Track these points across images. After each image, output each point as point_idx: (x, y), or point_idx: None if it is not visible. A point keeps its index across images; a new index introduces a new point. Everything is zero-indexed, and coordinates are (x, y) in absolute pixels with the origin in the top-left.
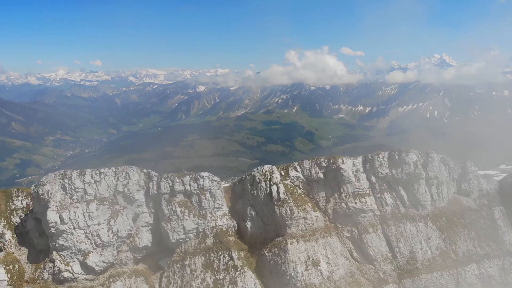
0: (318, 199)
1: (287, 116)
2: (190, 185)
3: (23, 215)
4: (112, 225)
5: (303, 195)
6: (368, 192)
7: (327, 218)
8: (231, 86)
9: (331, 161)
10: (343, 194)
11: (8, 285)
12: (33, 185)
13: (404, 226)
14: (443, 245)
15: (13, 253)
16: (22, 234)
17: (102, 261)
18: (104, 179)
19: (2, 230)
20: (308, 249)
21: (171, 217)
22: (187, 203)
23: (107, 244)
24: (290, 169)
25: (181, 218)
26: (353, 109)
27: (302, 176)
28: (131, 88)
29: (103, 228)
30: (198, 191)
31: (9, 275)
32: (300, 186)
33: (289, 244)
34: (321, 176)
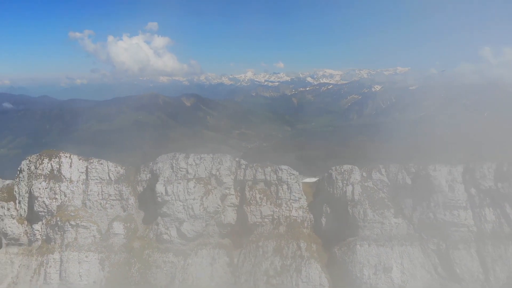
0: (403, 206)
1: (476, 119)
2: (270, 175)
3: (145, 186)
4: (203, 201)
5: (386, 200)
6: (464, 205)
7: (412, 226)
8: (411, 85)
9: (421, 167)
10: (432, 204)
11: (123, 238)
12: (151, 163)
13: (505, 248)
14: None
15: (133, 214)
16: (142, 200)
17: (193, 230)
18: (203, 162)
19: (128, 196)
20: (381, 254)
21: (251, 201)
22: (267, 191)
23: (198, 217)
24: (373, 171)
25: (259, 203)
26: None
27: (387, 180)
28: (308, 88)
29: (196, 203)
30: (276, 181)
31: (125, 231)
32: (384, 190)
33: (358, 245)
34: (409, 182)
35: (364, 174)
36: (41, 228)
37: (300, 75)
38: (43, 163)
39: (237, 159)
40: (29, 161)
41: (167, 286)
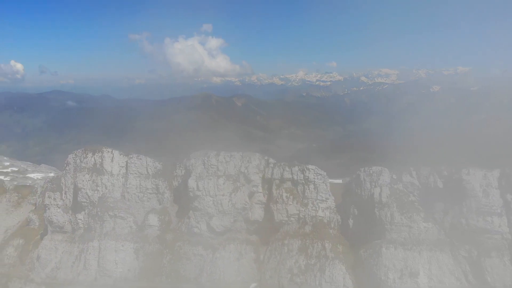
0: (434, 210)
1: None
2: (297, 175)
3: (180, 181)
4: (232, 198)
5: (416, 203)
6: (499, 211)
7: (443, 232)
8: (472, 86)
9: (454, 170)
10: (464, 209)
11: (157, 229)
12: (185, 159)
13: None
14: None
15: (167, 207)
16: (177, 195)
17: (222, 225)
18: (232, 160)
19: (164, 190)
20: (408, 258)
21: (277, 200)
22: (293, 190)
23: (227, 212)
24: (404, 174)
25: (286, 202)
26: None
27: (417, 183)
28: (361, 88)
29: (225, 199)
30: (303, 181)
31: (159, 223)
32: (415, 194)
33: (383, 248)
34: (440, 185)
35: (394, 176)
36: (83, 217)
37: (354, 74)
38: (87, 157)
39: (266, 157)
40: (75, 155)
41: (196, 278)
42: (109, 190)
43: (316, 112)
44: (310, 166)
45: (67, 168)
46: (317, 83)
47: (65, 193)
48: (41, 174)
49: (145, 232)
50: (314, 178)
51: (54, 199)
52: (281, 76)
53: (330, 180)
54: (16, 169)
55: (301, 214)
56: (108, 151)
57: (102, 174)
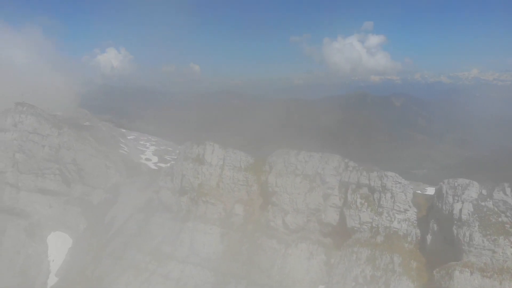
0: None
1: None
2: (374, 181)
3: (267, 176)
4: (306, 197)
5: (507, 225)
6: None
7: None
8: None
9: None
10: None
11: (242, 219)
12: (269, 155)
13: None
14: None
15: (253, 199)
16: (262, 188)
17: (295, 223)
18: (311, 160)
19: (252, 183)
20: (485, 286)
21: (351, 205)
22: (369, 197)
23: (300, 211)
24: (496, 190)
25: (359, 209)
26: None
27: (511, 202)
28: None
29: (300, 198)
30: (380, 188)
31: (244, 213)
32: (508, 214)
33: (457, 271)
34: None
35: (484, 192)
36: (185, 200)
37: None
38: (192, 148)
39: (346, 160)
40: (185, 146)
41: (268, 270)
42: (207, 178)
43: (490, 116)
44: (388, 173)
45: (178, 157)
46: (494, 82)
47: (175, 178)
48: None
49: (231, 220)
50: (392, 187)
51: (166, 182)
52: (450, 74)
53: None
54: None
55: (374, 223)
56: (210, 144)
57: (203, 164)
